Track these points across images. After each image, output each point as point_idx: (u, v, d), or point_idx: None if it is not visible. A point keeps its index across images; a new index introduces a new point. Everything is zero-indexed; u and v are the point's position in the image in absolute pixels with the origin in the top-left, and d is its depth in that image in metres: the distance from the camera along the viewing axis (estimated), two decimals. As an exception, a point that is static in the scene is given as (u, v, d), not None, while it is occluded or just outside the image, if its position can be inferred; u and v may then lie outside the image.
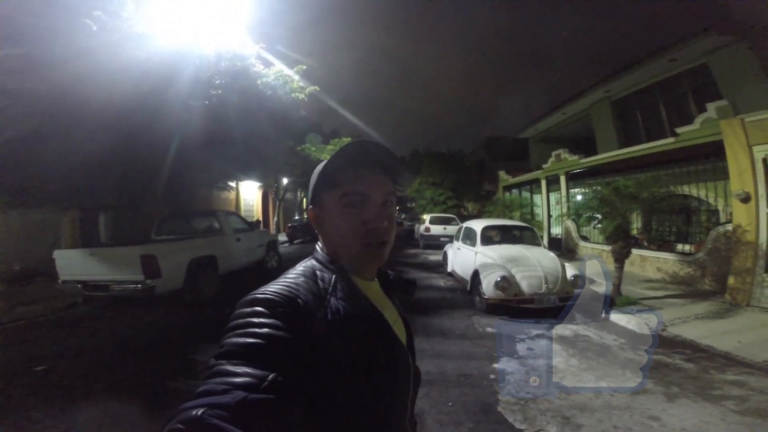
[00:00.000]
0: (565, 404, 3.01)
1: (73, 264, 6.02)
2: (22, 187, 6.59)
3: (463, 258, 7.25)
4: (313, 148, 18.29)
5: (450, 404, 3.03)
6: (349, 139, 22.47)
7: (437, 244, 13.56)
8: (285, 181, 18.32)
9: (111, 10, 6.13)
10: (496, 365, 3.79)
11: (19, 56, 5.95)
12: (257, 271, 8.87)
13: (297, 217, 20.81)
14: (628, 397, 3.10)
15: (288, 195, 21.71)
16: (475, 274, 5.95)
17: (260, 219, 17.00)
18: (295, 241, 17.08)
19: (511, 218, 10.89)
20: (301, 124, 13.47)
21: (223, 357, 0.55)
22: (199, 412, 0.45)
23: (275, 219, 20.32)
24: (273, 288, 0.64)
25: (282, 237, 16.62)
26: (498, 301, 5.33)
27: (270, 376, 0.51)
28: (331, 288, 0.68)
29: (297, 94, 8.99)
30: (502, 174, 17.76)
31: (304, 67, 9.07)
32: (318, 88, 9.65)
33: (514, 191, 16.58)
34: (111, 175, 6.72)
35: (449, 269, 8.27)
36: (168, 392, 3.25)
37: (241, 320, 0.59)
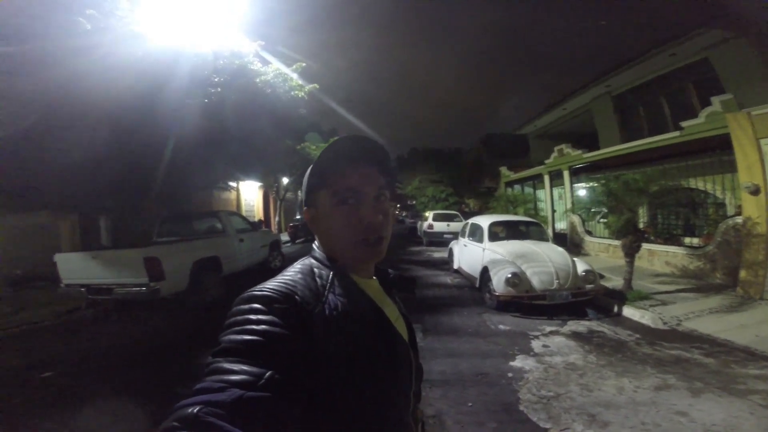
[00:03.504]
0: (588, 401, 2.95)
1: (76, 267, 5.92)
2: (19, 190, 6.48)
3: (470, 255, 7.18)
4: (313, 147, 18.21)
5: (470, 404, 2.97)
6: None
7: (441, 240, 13.51)
8: (285, 180, 18.22)
9: (105, 9, 6.02)
10: (512, 363, 3.73)
11: (11, 55, 5.84)
12: (261, 272, 8.77)
13: (298, 217, 20.72)
14: (651, 393, 3.04)
15: (289, 194, 21.59)
16: (484, 271, 5.88)
17: (262, 219, 16.89)
18: (297, 241, 16.99)
19: (515, 214, 10.83)
20: (301, 123, 13.36)
21: (221, 354, 0.54)
22: (195, 410, 0.45)
23: (277, 219, 20.22)
24: (270, 285, 0.63)
25: (284, 237, 16.51)
26: (509, 297, 5.26)
27: (267, 374, 0.51)
28: (328, 284, 0.67)
29: (296, 92, 8.90)
30: (503, 170, 17.71)
31: (303, 64, 8.99)
32: (317, 87, 9.58)
33: (516, 187, 16.52)
34: (108, 177, 6.61)
35: (455, 266, 8.20)
36: (175, 396, 3.15)
37: (239, 317, 0.58)
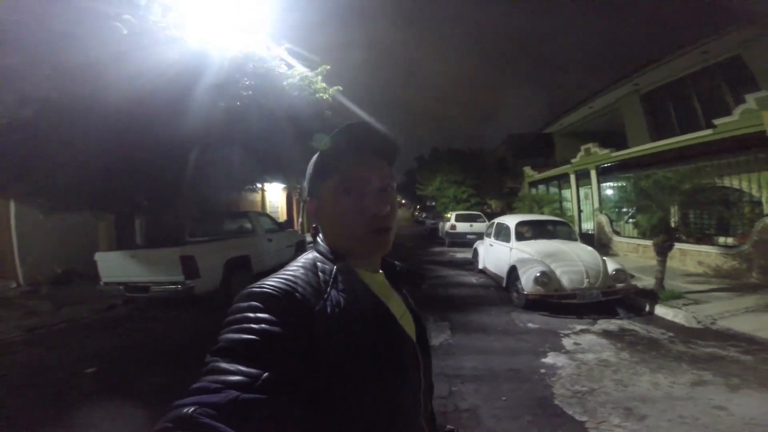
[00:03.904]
0: (623, 396, 3.04)
1: (115, 266, 6.27)
2: (60, 191, 6.91)
3: (496, 254, 7.27)
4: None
5: (504, 399, 3.08)
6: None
7: (463, 241, 13.56)
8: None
9: (139, 14, 6.38)
10: (544, 360, 3.83)
11: (50, 62, 6.26)
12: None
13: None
14: (688, 388, 3.11)
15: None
16: (512, 270, 5.97)
17: (286, 219, 17.30)
18: (318, 241, 17.26)
19: (540, 214, 10.83)
20: (325, 125, 13.68)
21: (218, 354, 0.54)
22: (190, 411, 0.45)
23: (299, 220, 20.64)
24: (270, 282, 0.62)
25: (307, 237, 16.86)
26: (538, 296, 5.34)
27: (264, 375, 0.50)
28: (331, 280, 0.66)
29: (321, 94, 9.15)
30: (527, 170, 17.61)
31: (328, 67, 9.22)
32: (341, 89, 9.79)
33: (540, 187, 16.41)
34: (143, 178, 6.98)
35: (480, 266, 8.29)
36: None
37: (238, 315, 0.58)
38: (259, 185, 13.88)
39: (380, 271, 0.78)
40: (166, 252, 6.00)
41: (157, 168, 6.97)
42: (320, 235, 0.76)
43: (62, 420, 2.99)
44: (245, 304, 0.60)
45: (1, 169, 6.92)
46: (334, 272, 0.67)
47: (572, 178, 13.18)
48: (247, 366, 0.51)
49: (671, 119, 11.10)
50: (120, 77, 6.04)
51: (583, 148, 12.42)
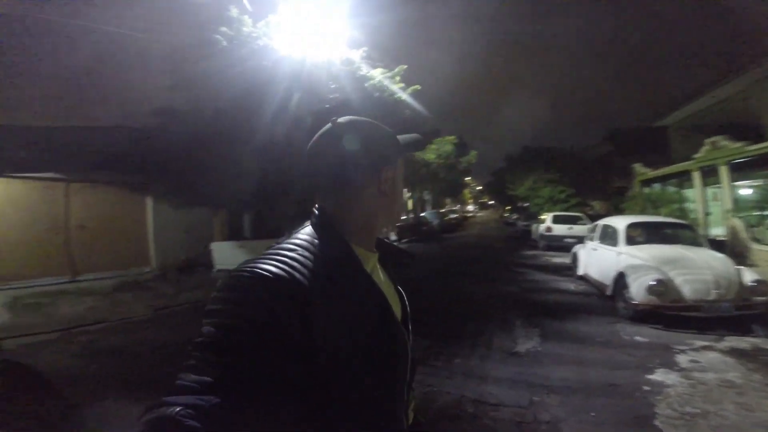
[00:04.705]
0: (746, 421, 2.68)
1: (226, 254, 7.38)
2: (187, 190, 8.34)
3: (600, 259, 6.77)
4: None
5: (593, 414, 2.93)
6: (453, 137, 22.68)
7: (561, 245, 12.72)
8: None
9: (233, 27, 7.37)
10: (650, 376, 3.51)
11: (171, 75, 7.54)
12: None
13: (404, 217, 21.61)
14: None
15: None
16: (620, 277, 5.52)
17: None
18: (403, 240, 17.78)
19: (656, 215, 9.64)
20: (405, 125, 14.03)
21: (200, 349, 0.53)
22: (174, 411, 0.46)
23: (383, 218, 21.46)
24: (264, 264, 0.60)
25: (391, 236, 17.46)
26: (650, 307, 4.85)
27: (249, 374, 0.51)
28: (332, 265, 0.65)
29: (400, 95, 9.47)
30: (638, 167, 15.79)
31: (405, 67, 9.49)
32: (419, 88, 9.98)
33: (655, 186, 14.57)
34: (252, 181, 8.02)
35: (581, 272, 7.75)
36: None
37: (220, 305, 0.57)
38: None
39: (375, 251, 0.78)
40: (269, 243, 6.84)
41: (260, 170, 7.97)
42: (328, 208, 0.73)
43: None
44: (233, 292, 0.58)
45: (144, 171, 8.65)
46: (335, 258, 0.66)
47: (696, 175, 11.40)
48: (233, 363, 0.51)
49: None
50: (226, 86, 7.11)
51: (708, 141, 10.69)
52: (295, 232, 0.71)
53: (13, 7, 6.62)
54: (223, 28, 7.17)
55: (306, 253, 0.64)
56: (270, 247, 0.67)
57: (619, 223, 6.69)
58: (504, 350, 4.24)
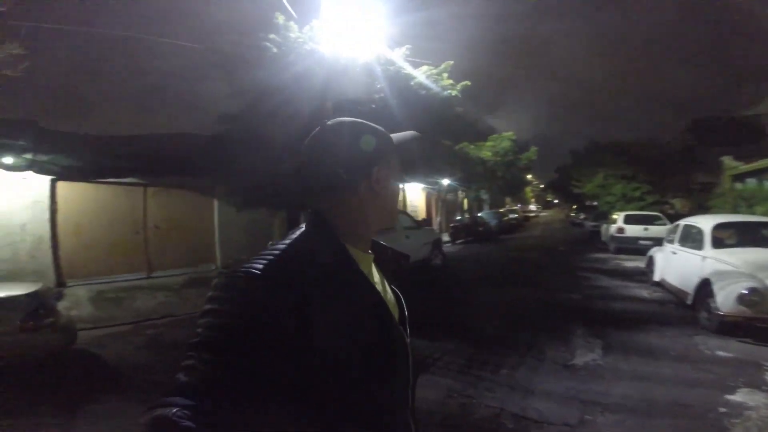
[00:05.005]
0: None
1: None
2: (249, 192, 8.85)
3: (681, 264, 6.09)
4: (472, 146, 18.37)
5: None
6: (510, 133, 21.74)
7: (635, 247, 11.62)
8: (446, 182, 18.92)
9: (281, 33, 7.64)
10: (730, 396, 3.08)
11: (232, 83, 7.99)
12: (422, 269, 9.45)
13: (459, 217, 21.18)
14: None
15: (449, 195, 22.30)
16: (704, 285, 4.93)
17: (425, 218, 18.03)
18: (458, 241, 17.41)
19: (751, 214, 8.42)
20: (457, 122, 13.69)
21: (196, 348, 0.53)
22: (171, 412, 0.46)
23: (438, 219, 21.19)
24: (259, 264, 0.60)
25: (445, 237, 17.20)
26: (740, 319, 4.26)
27: (244, 378, 0.51)
28: (327, 265, 0.64)
29: (449, 91, 9.21)
30: (727, 160, 14.01)
31: (452, 62, 9.22)
32: (469, 84, 9.63)
33: (749, 181, 12.76)
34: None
35: (657, 278, 7.04)
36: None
37: (216, 305, 0.57)
38: (400, 185, 14.83)
39: (370, 253, 0.78)
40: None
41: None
42: (326, 210, 0.72)
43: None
44: (231, 292, 0.58)
45: (210, 175, 9.33)
46: (333, 259, 0.66)
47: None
48: (227, 360, 0.52)
49: None
50: (278, 91, 7.43)
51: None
52: (291, 233, 0.71)
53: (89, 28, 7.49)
54: (272, 36, 7.50)
55: (302, 253, 0.64)
56: (266, 248, 0.66)
57: (705, 223, 5.93)
58: (558, 362, 3.94)
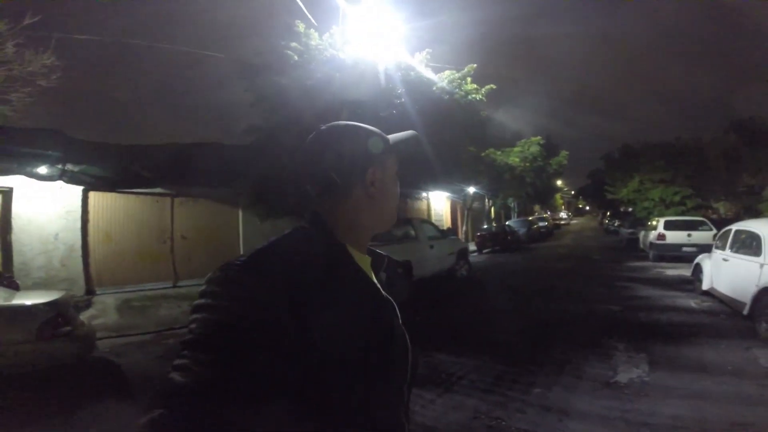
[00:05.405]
0: None
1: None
2: (274, 201, 8.92)
3: (735, 272, 5.69)
4: (498, 153, 17.99)
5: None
6: (538, 138, 21.17)
7: (677, 255, 11.02)
8: (472, 190, 18.59)
9: (302, 41, 7.71)
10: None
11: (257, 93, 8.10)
12: (447, 279, 9.20)
13: (485, 226, 20.70)
14: None
15: (475, 204, 21.90)
16: (763, 294, 4.59)
17: (450, 227, 17.75)
18: (484, 251, 16.99)
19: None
20: (482, 128, 13.42)
21: (188, 347, 0.52)
22: (167, 413, 0.46)
23: (464, 228, 20.80)
24: (258, 258, 0.59)
25: (471, 246, 16.83)
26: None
27: (236, 380, 0.49)
28: (326, 261, 0.64)
29: (473, 95, 9.02)
30: (777, 162, 13.04)
31: (475, 66, 9.03)
32: (494, 87, 9.40)
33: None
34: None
35: (706, 286, 6.58)
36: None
37: (210, 300, 0.55)
38: (424, 193, 14.61)
39: (366, 255, 0.78)
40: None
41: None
42: (322, 211, 0.72)
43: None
44: (224, 284, 0.56)
45: (234, 185, 9.47)
46: (331, 256, 0.66)
47: None
48: (222, 359, 0.50)
49: None
50: (299, 99, 7.49)
51: None
52: (289, 231, 0.70)
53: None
54: (294, 44, 7.59)
55: (300, 250, 0.64)
56: (263, 243, 0.65)
57: (763, 228, 5.47)
58: (597, 380, 3.64)
